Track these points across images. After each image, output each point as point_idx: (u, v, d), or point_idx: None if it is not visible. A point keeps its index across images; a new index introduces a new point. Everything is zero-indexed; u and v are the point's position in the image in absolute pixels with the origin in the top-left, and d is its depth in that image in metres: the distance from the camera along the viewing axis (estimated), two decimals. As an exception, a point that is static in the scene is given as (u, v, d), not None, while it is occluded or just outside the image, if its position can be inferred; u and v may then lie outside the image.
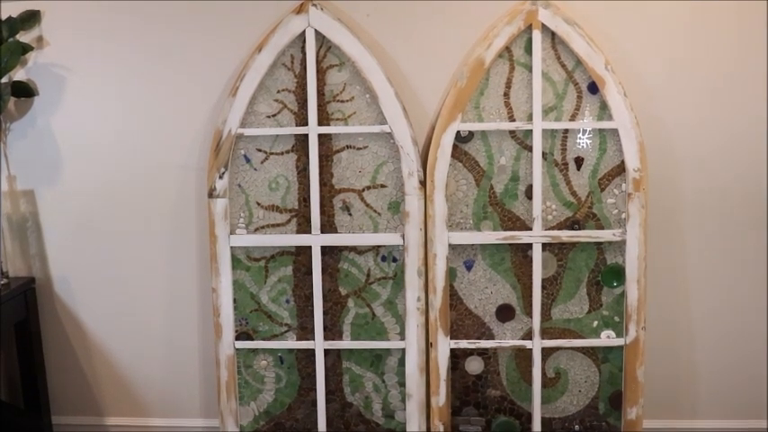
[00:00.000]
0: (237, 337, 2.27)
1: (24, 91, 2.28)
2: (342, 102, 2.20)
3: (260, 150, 2.22)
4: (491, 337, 2.25)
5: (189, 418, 2.46)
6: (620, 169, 2.16)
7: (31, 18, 2.24)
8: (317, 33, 2.16)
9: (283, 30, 2.15)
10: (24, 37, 2.26)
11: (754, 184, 2.25)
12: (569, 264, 2.21)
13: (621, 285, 2.20)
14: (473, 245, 2.21)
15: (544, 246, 2.19)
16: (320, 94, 2.19)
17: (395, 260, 2.23)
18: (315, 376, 2.26)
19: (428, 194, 2.17)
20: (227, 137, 2.18)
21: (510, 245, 2.20)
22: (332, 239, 2.22)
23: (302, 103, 2.20)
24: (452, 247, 2.20)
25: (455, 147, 2.17)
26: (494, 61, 2.15)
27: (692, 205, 2.27)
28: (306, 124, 2.19)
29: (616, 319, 2.21)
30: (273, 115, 2.21)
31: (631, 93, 2.15)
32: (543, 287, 2.21)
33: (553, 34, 2.13)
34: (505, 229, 2.20)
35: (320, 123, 2.19)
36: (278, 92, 2.20)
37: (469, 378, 2.26)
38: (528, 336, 2.23)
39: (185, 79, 2.27)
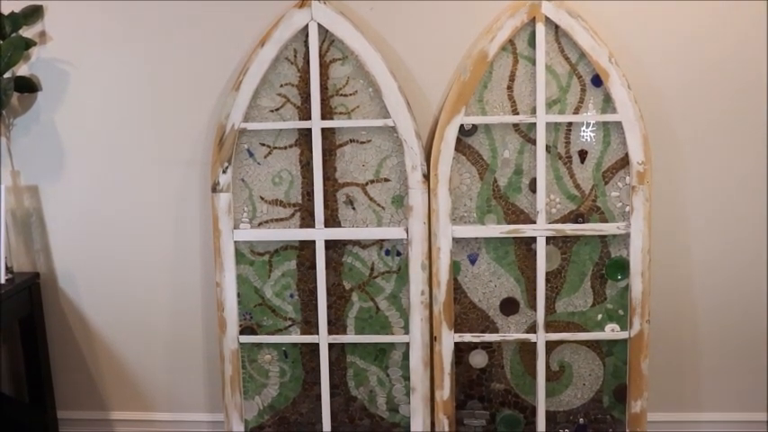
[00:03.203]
0: (242, 332, 2.27)
1: (27, 86, 2.28)
2: (345, 96, 2.19)
3: (263, 145, 2.22)
4: (495, 330, 2.25)
5: (193, 412, 2.47)
6: (624, 162, 2.16)
7: (33, 13, 2.24)
8: (320, 27, 2.15)
9: (286, 24, 2.15)
10: (27, 32, 2.26)
11: (758, 176, 2.24)
12: (573, 257, 2.20)
13: (626, 278, 2.19)
14: (477, 238, 2.21)
15: (548, 239, 2.19)
16: (323, 88, 2.19)
17: (399, 254, 2.23)
18: (319, 370, 2.26)
19: (432, 188, 2.17)
20: (231, 131, 2.18)
21: (514, 238, 2.20)
22: (335, 234, 2.22)
23: (305, 97, 2.19)
24: (456, 240, 2.20)
25: (459, 140, 2.17)
26: (497, 54, 2.14)
27: (696, 198, 2.26)
28: (309, 118, 2.19)
29: (620, 312, 2.21)
30: (276, 109, 2.21)
31: (635, 85, 2.14)
32: (547, 281, 2.20)
33: (557, 27, 2.12)
34: (509, 223, 2.20)
35: (323, 117, 2.19)
36: (281, 86, 2.20)
37: (474, 372, 2.27)
38: (532, 329, 2.23)
39: (188, 74, 2.27)
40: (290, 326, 2.28)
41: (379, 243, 2.23)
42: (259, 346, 2.29)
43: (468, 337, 2.23)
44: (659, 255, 2.26)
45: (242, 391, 2.29)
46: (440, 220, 2.17)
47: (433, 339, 2.23)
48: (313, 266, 2.23)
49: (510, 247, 2.21)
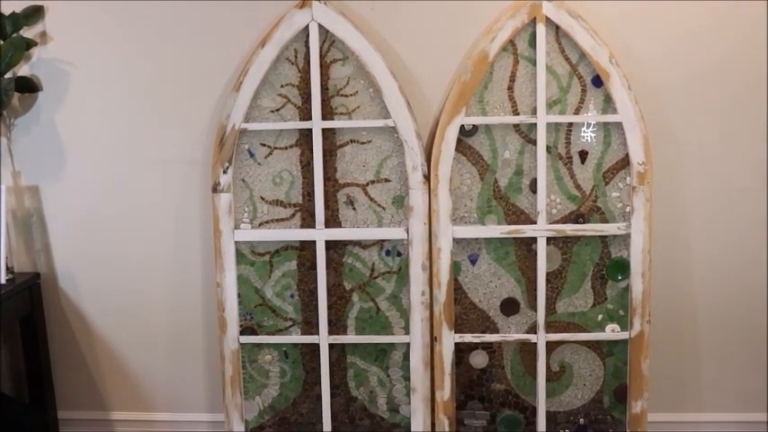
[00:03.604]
0: (242, 332, 2.27)
1: (28, 86, 2.28)
2: (345, 96, 2.20)
3: (264, 145, 2.22)
4: (495, 331, 2.25)
5: (193, 412, 2.47)
6: (625, 163, 2.16)
7: (34, 14, 2.24)
8: (321, 28, 2.15)
9: (287, 24, 2.15)
10: (28, 32, 2.26)
11: (759, 177, 2.24)
12: (574, 257, 2.20)
13: (626, 279, 2.19)
14: (477, 239, 2.21)
15: (549, 239, 2.19)
16: (324, 88, 2.19)
17: (399, 254, 2.23)
18: (319, 371, 2.26)
19: (432, 188, 2.17)
20: (231, 132, 2.19)
21: (514, 239, 2.20)
22: (336, 234, 2.22)
23: (306, 97, 2.20)
24: (457, 241, 2.20)
25: (459, 141, 2.17)
26: (498, 55, 2.14)
27: (697, 198, 2.26)
28: (309, 119, 2.19)
29: (621, 312, 2.21)
30: (277, 110, 2.21)
31: (636, 86, 2.14)
32: (548, 281, 2.20)
33: (557, 27, 2.12)
34: (510, 223, 2.20)
35: (324, 118, 2.19)
36: (281, 86, 2.20)
37: (474, 372, 2.27)
38: (532, 330, 2.23)
39: (189, 74, 2.27)
40: (290, 326, 2.28)
41: (380, 243, 2.23)
42: (259, 346, 2.29)
43: (468, 338, 2.23)
44: (660, 255, 2.26)
45: (242, 392, 2.29)
46: (440, 220, 2.17)
47: (433, 340, 2.23)
48: (313, 267, 2.23)
49: (510, 248, 2.21)
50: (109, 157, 2.34)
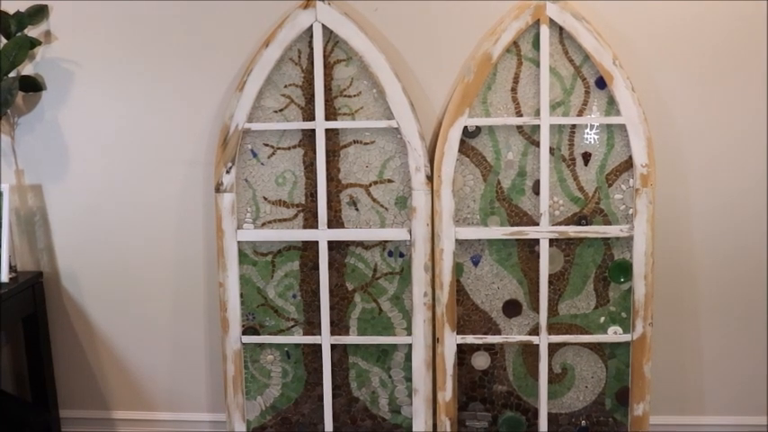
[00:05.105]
0: (244, 332, 2.27)
1: (32, 85, 2.28)
2: (349, 97, 2.20)
3: (267, 145, 2.22)
4: (498, 332, 2.24)
5: (195, 412, 2.47)
6: (628, 165, 2.16)
7: (38, 13, 2.25)
8: (325, 28, 2.15)
9: (290, 24, 2.15)
10: (32, 32, 2.26)
11: (761, 179, 2.24)
12: (576, 259, 2.20)
13: (629, 281, 2.19)
14: (480, 240, 2.21)
15: (551, 241, 2.19)
16: (327, 88, 2.19)
17: (401, 255, 2.23)
18: (321, 371, 2.26)
19: (435, 189, 2.17)
20: (234, 132, 2.19)
21: (517, 240, 2.20)
22: (339, 234, 2.22)
23: (309, 97, 2.20)
24: (459, 242, 2.20)
25: (462, 142, 2.17)
26: (501, 56, 2.14)
27: (700, 201, 2.26)
28: (313, 119, 2.19)
29: (623, 314, 2.21)
30: (280, 110, 2.21)
31: (639, 88, 2.14)
32: (550, 283, 2.20)
33: (561, 29, 2.12)
34: (512, 225, 2.20)
35: (327, 118, 2.19)
36: (285, 87, 2.20)
37: (476, 373, 2.26)
38: (535, 331, 2.23)
39: (193, 74, 2.28)
40: (292, 326, 2.28)
41: (382, 244, 2.23)
42: (261, 346, 2.29)
43: (470, 339, 2.23)
44: (662, 257, 2.26)
45: (244, 392, 2.29)
46: (443, 221, 2.17)
47: (435, 341, 2.23)
48: (316, 267, 2.23)
49: (513, 249, 2.21)
50: (112, 156, 2.34)
